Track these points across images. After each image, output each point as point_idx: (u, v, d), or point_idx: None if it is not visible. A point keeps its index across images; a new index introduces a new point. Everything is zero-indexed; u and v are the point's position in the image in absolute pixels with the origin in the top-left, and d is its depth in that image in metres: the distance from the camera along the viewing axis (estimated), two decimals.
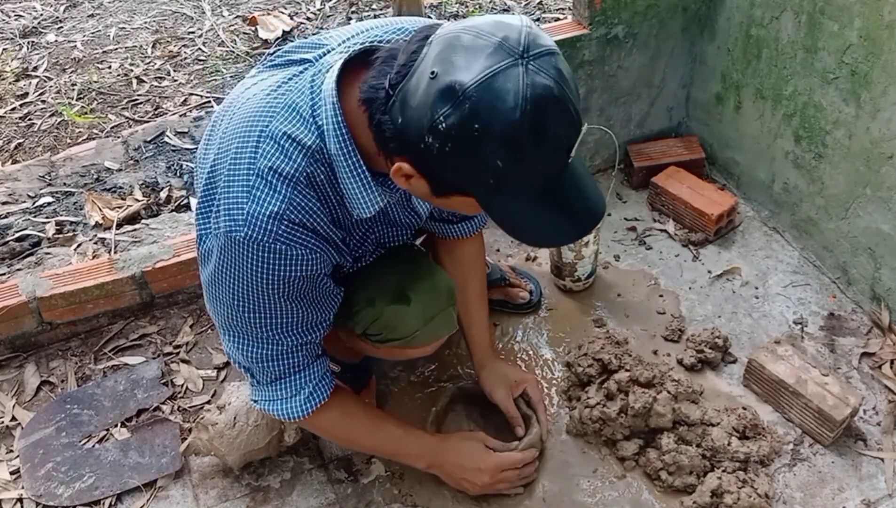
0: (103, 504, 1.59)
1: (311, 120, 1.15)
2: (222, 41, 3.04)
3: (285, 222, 1.15)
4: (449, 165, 1.00)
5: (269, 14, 3.16)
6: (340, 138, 1.13)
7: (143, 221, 2.11)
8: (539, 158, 0.99)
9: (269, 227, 1.14)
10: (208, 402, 1.77)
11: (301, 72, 1.21)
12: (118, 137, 2.44)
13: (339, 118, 1.13)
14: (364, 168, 1.16)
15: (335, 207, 1.22)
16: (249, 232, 1.14)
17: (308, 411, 1.36)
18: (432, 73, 0.96)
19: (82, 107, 2.70)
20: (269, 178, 1.14)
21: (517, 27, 0.98)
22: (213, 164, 1.22)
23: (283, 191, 1.14)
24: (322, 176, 1.17)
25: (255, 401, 1.39)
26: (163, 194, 2.20)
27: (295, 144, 1.15)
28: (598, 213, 1.11)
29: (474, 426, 1.70)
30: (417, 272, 1.44)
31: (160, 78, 2.86)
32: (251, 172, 1.15)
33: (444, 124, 0.95)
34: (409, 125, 0.99)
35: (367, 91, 1.07)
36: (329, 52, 1.22)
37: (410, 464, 1.56)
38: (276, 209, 1.14)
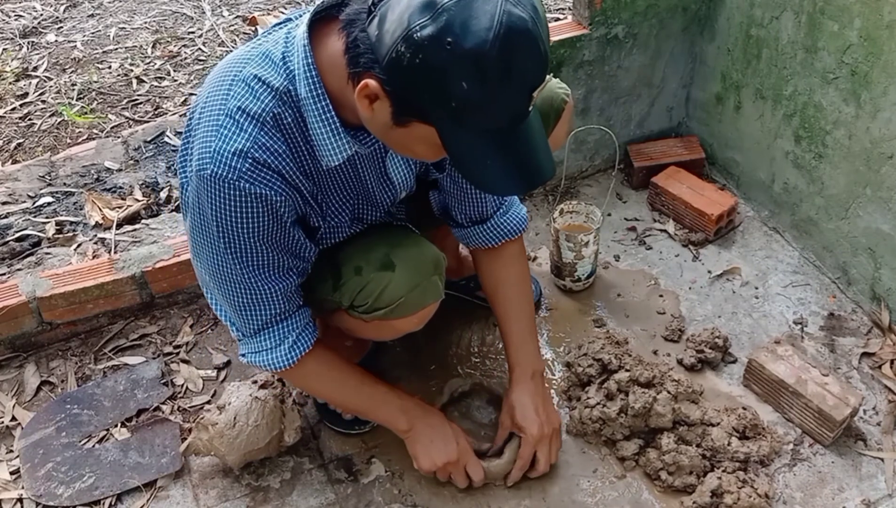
0: (103, 504, 1.59)
1: (281, 65, 1.19)
2: (222, 41, 3.04)
3: (249, 160, 1.18)
4: (416, 80, 1.01)
5: (269, 14, 3.16)
6: (310, 81, 1.16)
7: (143, 221, 2.11)
8: (502, 88, 1.01)
9: (233, 164, 1.17)
10: (208, 402, 1.77)
11: (280, 29, 1.25)
12: (118, 137, 2.44)
13: (310, 60, 1.16)
14: (333, 113, 1.19)
15: (305, 156, 1.25)
16: (215, 169, 1.18)
17: (293, 359, 1.40)
18: None
19: (82, 107, 2.70)
20: (237, 117, 1.18)
21: None
22: (192, 111, 1.27)
23: (249, 130, 1.18)
24: (290, 119, 1.20)
25: (243, 355, 1.43)
26: (163, 194, 2.21)
27: (263, 85, 1.18)
28: (546, 172, 1.14)
29: (469, 423, 1.70)
30: (404, 242, 1.45)
31: (160, 78, 2.86)
32: (221, 112, 1.19)
33: (419, 34, 0.97)
34: (385, 35, 1.02)
35: (349, 14, 1.10)
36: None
37: (388, 423, 1.57)
38: (240, 147, 1.17)
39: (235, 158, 1.17)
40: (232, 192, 1.19)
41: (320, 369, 1.48)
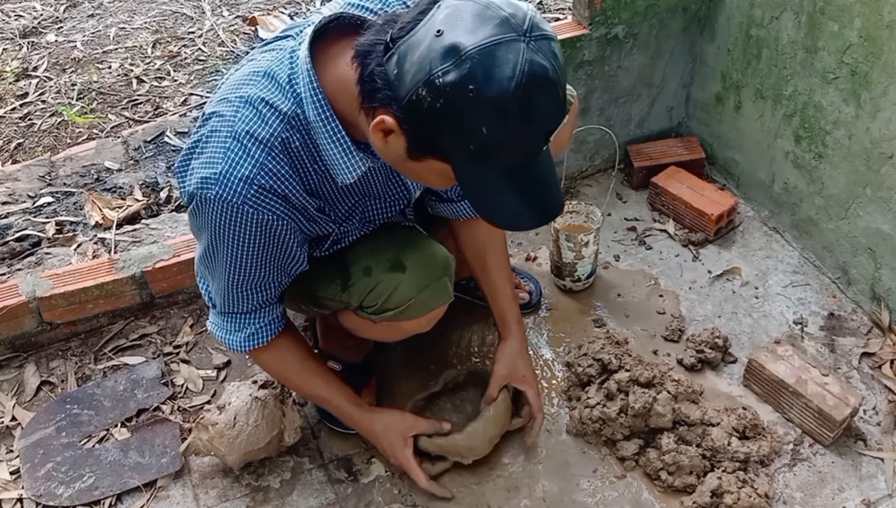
0: (103, 504, 1.59)
1: (287, 88, 1.19)
2: (222, 41, 3.04)
3: (255, 187, 1.19)
4: (435, 123, 1.02)
5: (269, 14, 3.16)
6: (318, 105, 1.17)
7: (143, 221, 2.11)
8: (522, 133, 1.03)
9: (239, 189, 1.18)
10: (208, 402, 1.77)
11: (282, 46, 1.25)
12: (118, 137, 2.44)
13: (315, 85, 1.16)
14: (343, 133, 1.20)
15: (311, 175, 1.26)
16: (220, 191, 1.19)
17: (246, 348, 1.44)
18: (438, 31, 1.00)
19: (82, 107, 2.70)
20: (245, 142, 1.19)
21: (524, 9, 1.02)
22: (200, 126, 1.27)
23: (257, 155, 1.19)
24: (298, 143, 1.21)
25: (210, 323, 1.47)
26: (163, 194, 2.21)
27: (271, 110, 1.19)
28: (557, 207, 1.17)
29: (460, 416, 1.68)
30: (413, 243, 1.46)
31: (160, 78, 2.86)
32: (229, 134, 1.20)
33: (441, 80, 0.98)
34: (405, 76, 1.02)
35: (363, 45, 1.10)
36: (310, 25, 1.25)
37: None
38: (247, 173, 1.18)
39: (241, 183, 1.18)
40: (235, 215, 1.20)
41: (270, 362, 1.51)
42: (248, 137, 1.18)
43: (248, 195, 1.19)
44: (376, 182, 1.40)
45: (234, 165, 1.18)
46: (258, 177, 1.18)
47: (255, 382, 1.63)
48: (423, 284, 1.43)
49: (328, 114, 1.18)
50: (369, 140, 1.12)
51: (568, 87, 1.67)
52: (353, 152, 1.22)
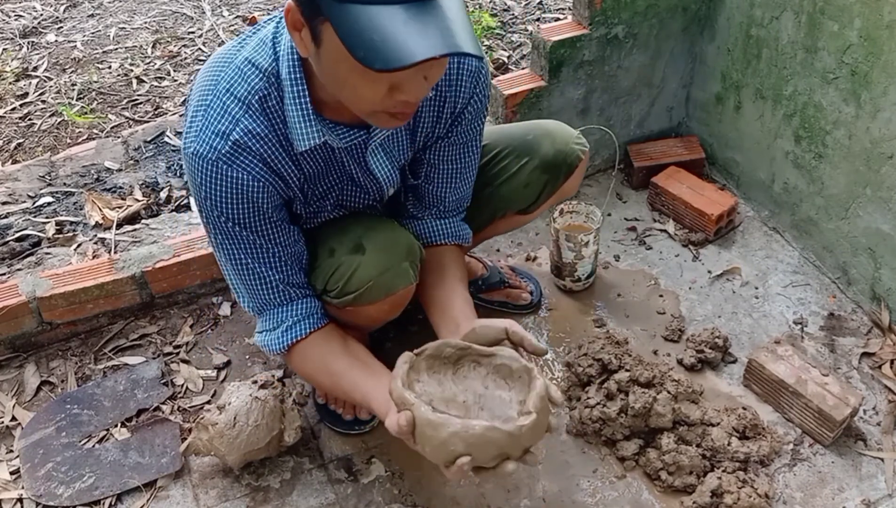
0: (103, 504, 1.59)
1: (270, 45, 1.21)
2: (222, 41, 3.04)
3: (230, 143, 1.20)
4: None
5: (269, 14, 3.16)
6: (290, 62, 1.19)
7: (143, 221, 2.11)
8: None
9: (214, 144, 1.20)
10: (208, 402, 1.77)
11: (274, 16, 1.27)
12: (118, 137, 2.44)
13: (293, 44, 1.17)
14: (307, 97, 1.21)
15: (288, 140, 1.27)
16: (197, 147, 1.21)
17: (285, 344, 1.40)
18: None
19: (82, 107, 2.70)
20: (224, 98, 1.21)
21: None
22: (189, 99, 1.29)
23: (235, 111, 1.20)
24: (274, 101, 1.22)
25: (255, 333, 1.46)
26: (163, 194, 2.21)
27: (252, 67, 1.21)
28: (458, 42, 1.00)
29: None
30: (377, 227, 1.45)
31: (160, 78, 2.86)
32: (210, 92, 1.22)
33: None
34: None
35: None
36: None
37: None
38: (223, 128, 1.20)
39: (217, 138, 1.20)
40: (212, 171, 1.22)
41: (309, 359, 1.43)
42: (227, 94, 1.21)
43: (223, 151, 1.20)
44: (354, 171, 1.39)
45: (210, 120, 1.20)
46: (234, 133, 1.20)
47: (255, 382, 1.63)
48: (383, 267, 1.39)
49: (298, 74, 1.19)
50: (325, 85, 1.14)
51: (581, 139, 1.67)
52: (312, 120, 1.23)
